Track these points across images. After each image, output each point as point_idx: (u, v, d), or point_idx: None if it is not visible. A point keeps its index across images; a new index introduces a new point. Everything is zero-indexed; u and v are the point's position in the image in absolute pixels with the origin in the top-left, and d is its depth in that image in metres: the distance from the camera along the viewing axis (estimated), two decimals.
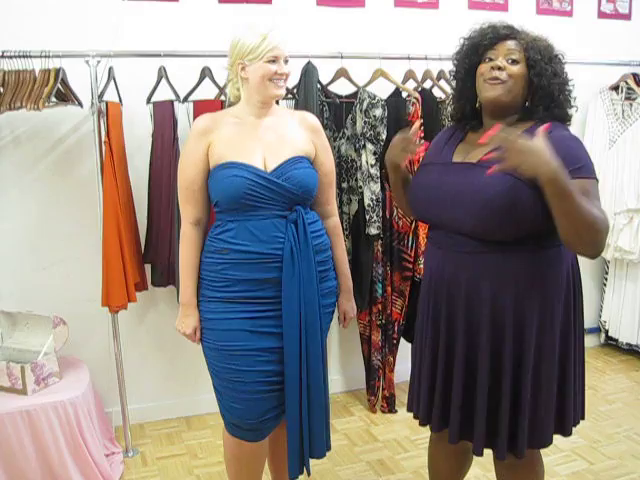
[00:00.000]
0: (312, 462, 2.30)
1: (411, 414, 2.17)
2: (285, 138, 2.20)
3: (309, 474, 2.31)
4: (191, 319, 2.23)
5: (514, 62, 1.85)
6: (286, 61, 2.15)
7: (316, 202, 2.33)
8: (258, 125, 2.19)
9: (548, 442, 1.96)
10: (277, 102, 3.07)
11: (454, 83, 2.07)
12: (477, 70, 1.92)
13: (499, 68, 1.85)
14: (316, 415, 2.24)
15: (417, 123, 2.11)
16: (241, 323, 2.15)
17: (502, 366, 1.88)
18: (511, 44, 1.87)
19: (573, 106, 1.94)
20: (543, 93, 1.85)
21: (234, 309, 2.15)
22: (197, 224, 2.22)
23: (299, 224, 2.15)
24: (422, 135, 3.27)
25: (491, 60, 1.88)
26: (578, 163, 1.75)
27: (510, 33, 1.89)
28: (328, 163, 2.34)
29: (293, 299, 2.14)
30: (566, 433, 1.99)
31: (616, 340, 4.35)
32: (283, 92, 2.17)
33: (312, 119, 2.33)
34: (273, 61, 2.10)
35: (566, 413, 1.96)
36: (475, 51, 1.92)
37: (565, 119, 1.92)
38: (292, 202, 2.15)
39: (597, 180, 1.79)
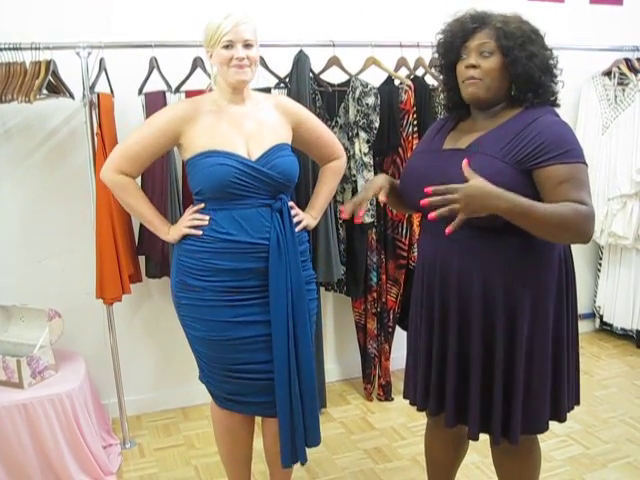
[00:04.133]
0: (309, 451, 2.31)
1: (407, 402, 2.18)
2: (265, 125, 2.20)
3: (302, 463, 2.31)
4: (176, 229, 2.22)
5: (487, 55, 1.83)
6: (247, 45, 2.10)
7: (323, 158, 2.43)
8: (236, 113, 2.19)
9: (543, 428, 1.96)
10: (269, 91, 3.09)
11: (439, 75, 2.07)
12: (457, 68, 1.92)
13: (473, 66, 1.84)
14: (308, 404, 2.24)
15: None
16: (225, 313, 2.15)
17: (494, 350, 1.89)
18: (482, 36, 1.84)
19: (559, 81, 1.92)
20: (523, 78, 1.84)
21: (218, 298, 2.15)
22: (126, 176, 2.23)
23: (284, 212, 2.17)
24: (414, 117, 3.28)
25: (466, 56, 1.87)
26: (563, 148, 1.75)
27: (479, 25, 1.86)
28: (318, 125, 2.39)
29: (280, 287, 2.14)
30: (561, 419, 2.00)
31: (611, 325, 4.38)
32: (246, 77, 2.12)
33: (285, 101, 2.35)
34: (230, 46, 2.07)
35: (560, 399, 1.97)
36: (450, 49, 1.92)
37: (553, 101, 1.92)
38: (276, 190, 2.16)
39: (586, 164, 1.79)
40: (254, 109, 2.22)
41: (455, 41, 1.89)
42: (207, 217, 2.15)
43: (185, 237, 2.20)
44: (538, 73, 1.84)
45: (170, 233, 2.24)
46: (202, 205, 2.17)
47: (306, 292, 2.23)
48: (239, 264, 2.13)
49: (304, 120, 2.33)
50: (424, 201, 1.66)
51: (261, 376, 2.21)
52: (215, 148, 2.11)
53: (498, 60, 1.83)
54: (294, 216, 2.25)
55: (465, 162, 1.68)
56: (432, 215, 1.67)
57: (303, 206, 2.49)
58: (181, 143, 2.18)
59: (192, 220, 2.17)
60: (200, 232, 2.15)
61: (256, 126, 2.19)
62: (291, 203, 2.25)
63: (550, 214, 1.67)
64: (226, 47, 2.07)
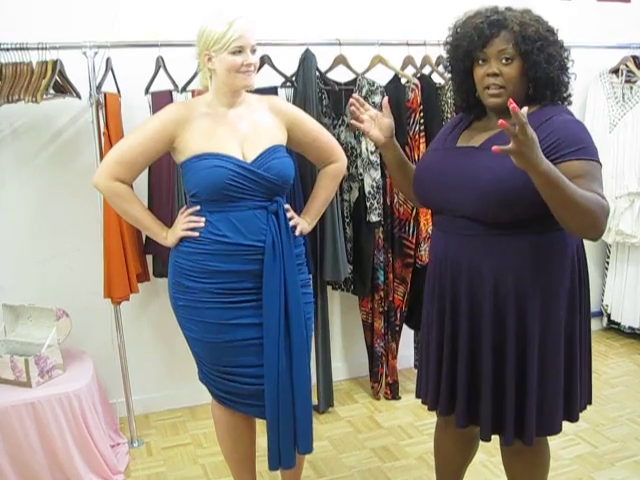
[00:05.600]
0: (316, 449, 2.31)
1: (414, 401, 2.18)
2: (260, 127, 2.19)
3: (286, 467, 2.28)
4: (172, 233, 2.21)
5: (507, 61, 1.80)
6: (253, 50, 2.09)
7: (321, 160, 2.40)
8: (231, 115, 2.18)
9: (557, 429, 1.95)
10: (276, 89, 3.09)
11: (451, 75, 2.03)
12: (473, 72, 1.89)
13: (495, 74, 1.81)
14: (301, 409, 2.22)
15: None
16: (220, 315, 2.15)
17: (506, 349, 1.88)
18: (501, 42, 1.81)
19: (571, 75, 1.90)
20: (543, 82, 1.83)
21: (213, 299, 2.15)
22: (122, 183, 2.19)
23: (280, 215, 2.16)
24: (421, 116, 3.27)
25: (484, 61, 1.84)
26: (579, 145, 1.74)
27: (497, 30, 1.82)
28: (314, 126, 2.37)
29: (274, 289, 2.13)
30: (574, 419, 1.98)
31: (618, 324, 4.36)
32: (252, 82, 2.12)
33: (279, 102, 2.33)
34: (239, 52, 2.05)
35: (573, 399, 1.96)
36: (467, 55, 1.88)
37: (568, 97, 1.91)
38: (272, 192, 2.16)
39: (599, 164, 1.77)
40: (248, 111, 2.21)
41: (472, 47, 1.85)
42: (203, 219, 2.14)
43: (182, 239, 2.20)
44: (557, 73, 1.83)
45: (168, 238, 2.23)
46: (197, 207, 2.17)
47: (301, 295, 2.23)
48: (234, 266, 2.13)
49: (298, 121, 2.31)
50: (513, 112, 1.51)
51: (253, 380, 2.21)
52: (210, 150, 2.10)
53: (518, 65, 1.81)
54: (290, 219, 2.24)
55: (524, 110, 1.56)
56: (502, 122, 1.52)
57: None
58: (175, 146, 2.17)
59: (188, 223, 2.17)
60: (197, 234, 2.15)
61: (251, 128, 2.18)
62: (287, 206, 2.24)
63: (579, 195, 1.60)
64: (234, 53, 2.05)
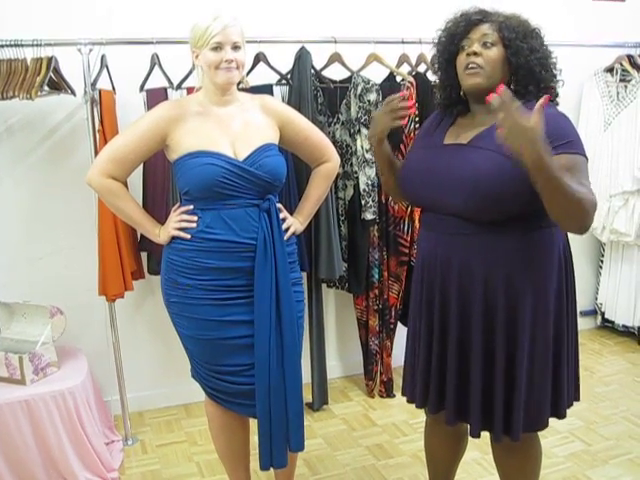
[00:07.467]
0: (311, 447, 2.30)
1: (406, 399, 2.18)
2: (251, 126, 2.20)
3: (276, 467, 2.28)
4: (164, 231, 2.22)
5: (489, 45, 1.83)
6: (235, 47, 2.10)
7: (313, 160, 2.41)
8: (223, 114, 2.18)
9: (543, 425, 1.96)
10: (271, 87, 3.09)
11: (437, 73, 2.05)
12: (456, 60, 1.91)
13: (475, 54, 1.84)
14: (292, 407, 2.23)
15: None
16: (212, 311, 2.16)
17: (495, 347, 1.89)
18: (484, 28, 1.85)
19: (558, 80, 1.92)
20: (524, 71, 1.84)
21: (205, 296, 2.15)
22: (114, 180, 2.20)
23: (272, 213, 2.17)
24: (417, 114, 3.27)
25: (468, 48, 1.87)
26: (564, 139, 1.75)
27: (482, 18, 1.88)
28: (305, 126, 2.38)
29: (265, 287, 2.14)
30: (560, 416, 2.00)
31: (612, 322, 4.38)
32: (234, 77, 2.12)
33: (271, 101, 2.34)
34: (219, 48, 2.07)
35: (561, 396, 1.97)
36: (451, 41, 1.91)
37: (552, 95, 1.91)
38: (264, 190, 2.16)
39: (586, 158, 1.78)
40: (240, 110, 2.22)
41: (458, 32, 1.89)
42: (195, 218, 2.15)
43: (174, 237, 2.20)
44: (539, 68, 1.85)
45: (160, 235, 2.24)
46: (191, 207, 2.17)
47: (293, 293, 2.23)
48: (226, 263, 2.14)
49: (290, 120, 2.32)
50: (489, 97, 1.58)
51: (244, 380, 2.21)
52: (202, 149, 2.11)
53: (500, 51, 1.83)
54: (282, 220, 2.25)
55: (542, 101, 1.59)
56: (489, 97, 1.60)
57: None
58: (168, 144, 2.18)
59: (180, 222, 2.17)
60: (189, 236, 2.15)
61: (242, 127, 2.18)
62: (280, 205, 2.26)
63: (571, 190, 1.60)
64: (214, 49, 2.07)
